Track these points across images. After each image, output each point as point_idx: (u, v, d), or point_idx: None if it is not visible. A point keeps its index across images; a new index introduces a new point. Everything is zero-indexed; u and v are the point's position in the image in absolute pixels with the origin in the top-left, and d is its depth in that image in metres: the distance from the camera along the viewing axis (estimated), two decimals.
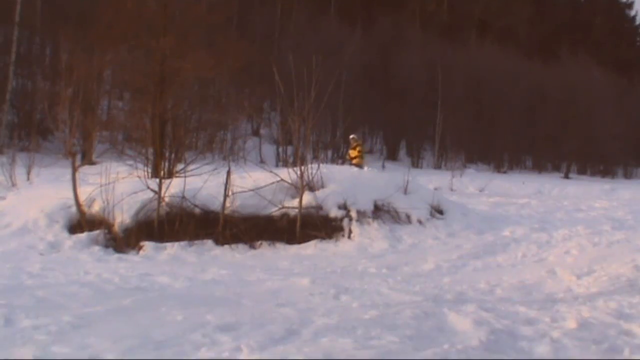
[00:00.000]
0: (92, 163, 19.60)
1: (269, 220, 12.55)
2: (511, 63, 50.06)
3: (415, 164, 44.92)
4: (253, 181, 13.15)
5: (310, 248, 12.00)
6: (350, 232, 12.51)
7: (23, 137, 33.29)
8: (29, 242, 11.48)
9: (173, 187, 12.54)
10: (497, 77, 48.84)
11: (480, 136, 47.78)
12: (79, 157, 13.87)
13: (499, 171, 45.91)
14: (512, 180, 32.70)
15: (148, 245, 11.52)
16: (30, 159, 20.17)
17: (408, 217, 13.26)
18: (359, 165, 18.11)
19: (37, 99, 31.55)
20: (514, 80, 48.80)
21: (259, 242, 12.10)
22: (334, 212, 12.78)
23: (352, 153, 19.18)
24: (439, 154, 47.06)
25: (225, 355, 5.37)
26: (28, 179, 19.30)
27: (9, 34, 35.07)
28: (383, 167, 38.08)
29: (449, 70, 47.05)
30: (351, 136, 20.08)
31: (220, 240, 11.98)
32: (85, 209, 12.37)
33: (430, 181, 25.33)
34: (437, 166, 45.48)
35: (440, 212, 13.99)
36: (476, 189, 26.10)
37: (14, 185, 17.14)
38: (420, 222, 13.22)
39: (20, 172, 18.93)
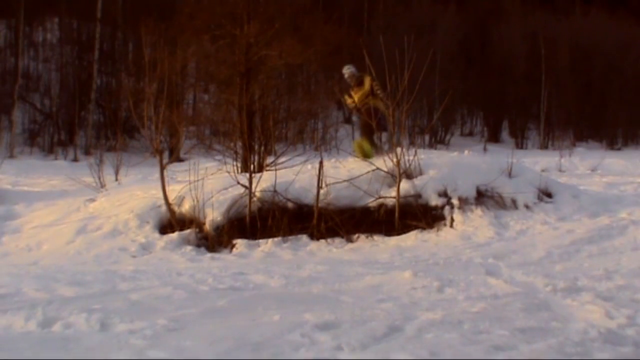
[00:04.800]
0: (179, 160, 20.00)
1: (365, 211, 12.54)
2: (622, 30, 48.59)
3: (520, 145, 44.24)
4: (347, 171, 13.16)
5: (411, 239, 11.93)
6: (452, 220, 12.38)
7: (110, 137, 34.24)
8: (121, 244, 11.81)
9: (264, 182, 12.66)
10: (607, 46, 47.48)
11: (590, 111, 46.67)
12: (166, 154, 14.16)
13: (612, 148, 44.72)
14: (627, 158, 31.78)
15: (241, 243, 11.67)
16: (118, 158, 20.67)
17: (514, 202, 13.03)
18: (375, 113, 13.83)
19: (121, 96, 32.40)
20: (625, 49, 47.37)
21: (356, 235, 12.10)
22: (434, 200, 12.68)
23: (357, 94, 14.48)
24: (545, 133, 46.16)
25: (326, 355, 5.39)
26: (116, 179, 19.79)
27: (91, 32, 36.14)
28: (485, 149, 37.65)
29: (553, 42, 46.06)
30: (346, 69, 14.80)
31: (316, 235, 12.04)
32: (175, 207, 12.62)
33: (537, 162, 24.86)
34: (544, 146, 44.64)
35: (549, 195, 13.71)
36: (587, 169, 25.46)
37: (102, 186, 17.61)
38: (527, 206, 12.98)
39: (108, 172, 19.44)
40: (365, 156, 14.13)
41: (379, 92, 13.94)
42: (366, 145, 14.44)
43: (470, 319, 6.22)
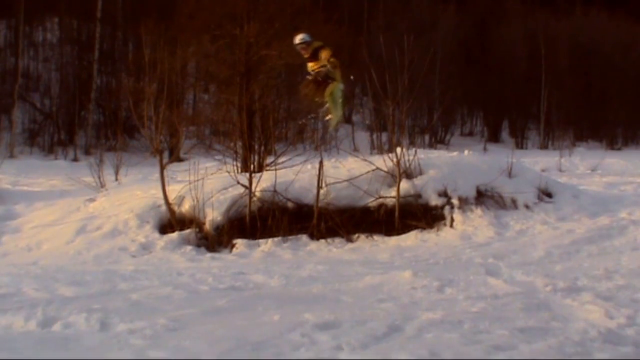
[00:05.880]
0: (179, 160, 19.98)
1: (365, 211, 12.54)
2: (621, 30, 48.59)
3: (520, 144, 44.27)
4: (347, 171, 13.16)
5: (411, 239, 11.94)
6: (452, 220, 12.38)
7: (110, 137, 34.18)
8: (121, 244, 11.82)
9: (264, 181, 12.67)
10: (607, 46, 47.49)
11: (590, 111, 46.65)
12: (166, 154, 14.14)
13: (612, 148, 44.71)
14: (627, 158, 31.79)
15: (241, 243, 11.68)
16: (118, 158, 20.65)
17: (514, 202, 13.04)
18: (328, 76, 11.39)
19: (121, 96, 32.35)
20: (625, 49, 47.38)
21: (356, 235, 12.11)
22: (434, 200, 12.68)
23: (316, 64, 11.70)
24: (545, 133, 46.16)
25: (326, 354, 5.39)
26: (116, 179, 19.78)
27: (91, 32, 36.11)
28: (485, 149, 37.64)
29: (553, 42, 46.07)
30: (299, 38, 12.01)
31: (316, 235, 12.05)
32: (175, 207, 12.62)
33: (537, 162, 24.90)
34: (544, 146, 44.64)
35: (549, 195, 13.72)
36: (587, 169, 25.51)
37: (102, 186, 17.60)
38: (527, 206, 12.99)
39: (108, 172, 19.43)
40: (334, 99, 11.92)
41: (332, 70, 11.48)
42: (336, 90, 11.82)
43: (470, 319, 6.22)
